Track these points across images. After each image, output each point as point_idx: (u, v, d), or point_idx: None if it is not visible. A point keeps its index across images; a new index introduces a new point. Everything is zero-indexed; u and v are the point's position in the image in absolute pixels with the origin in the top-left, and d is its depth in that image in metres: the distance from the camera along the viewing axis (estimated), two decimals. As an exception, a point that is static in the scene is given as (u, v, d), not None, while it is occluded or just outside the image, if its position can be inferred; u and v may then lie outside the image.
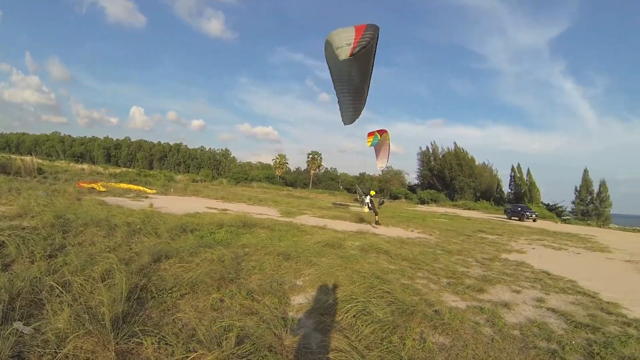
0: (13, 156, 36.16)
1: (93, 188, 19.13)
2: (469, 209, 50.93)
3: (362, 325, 4.14)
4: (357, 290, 5.33)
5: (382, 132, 18.93)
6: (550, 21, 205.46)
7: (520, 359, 3.87)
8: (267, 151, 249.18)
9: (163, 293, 4.50)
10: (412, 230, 16.27)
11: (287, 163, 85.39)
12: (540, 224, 31.72)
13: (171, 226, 8.57)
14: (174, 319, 3.86)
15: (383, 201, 22.53)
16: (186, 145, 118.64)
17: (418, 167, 72.70)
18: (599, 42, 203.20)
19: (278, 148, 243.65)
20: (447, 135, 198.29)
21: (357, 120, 12.69)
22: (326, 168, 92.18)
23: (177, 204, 16.76)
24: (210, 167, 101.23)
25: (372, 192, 18.82)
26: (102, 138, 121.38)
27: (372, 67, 10.84)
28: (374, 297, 5.07)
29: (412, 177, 76.24)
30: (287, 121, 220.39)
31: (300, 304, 4.85)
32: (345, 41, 9.01)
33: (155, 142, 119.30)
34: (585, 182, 51.17)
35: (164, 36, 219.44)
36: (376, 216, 17.09)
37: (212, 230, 9.21)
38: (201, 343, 3.33)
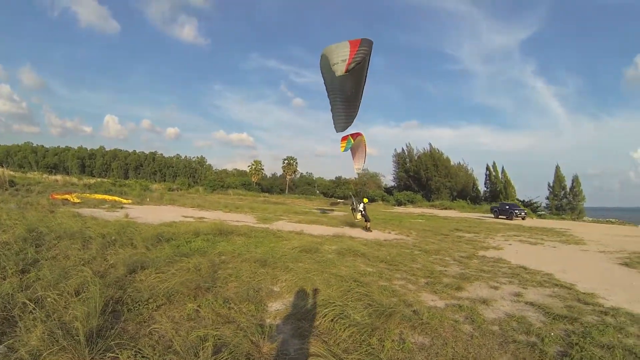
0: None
1: (67, 200, 18.93)
2: (446, 208, 51.61)
3: (340, 329, 4.11)
4: (335, 294, 5.34)
5: (355, 135, 18.99)
6: (521, 24, 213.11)
7: (500, 354, 3.91)
8: (243, 158, 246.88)
9: (139, 305, 4.43)
10: (389, 232, 16.41)
11: (262, 169, 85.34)
12: (516, 220, 32.23)
13: (147, 236, 8.47)
14: (150, 331, 3.82)
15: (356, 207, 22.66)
16: (162, 154, 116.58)
17: (394, 169, 73.04)
18: (569, 43, 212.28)
19: (253, 154, 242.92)
20: (422, 136, 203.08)
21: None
22: (302, 173, 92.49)
23: (153, 214, 16.66)
24: (186, 176, 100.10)
25: (365, 200, 19.09)
26: (76, 148, 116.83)
27: (365, 79, 11.30)
28: (351, 300, 5.08)
29: (388, 179, 76.83)
30: (262, 127, 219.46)
31: (278, 310, 4.83)
32: (340, 57, 9.36)
33: (131, 150, 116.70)
34: (558, 177, 52.64)
35: (137, 43, 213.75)
36: (368, 223, 17.20)
37: (189, 239, 9.10)
38: (178, 354, 3.33)
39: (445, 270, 8.16)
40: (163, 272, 5.67)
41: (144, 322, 4.05)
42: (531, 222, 30.74)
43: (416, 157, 68.61)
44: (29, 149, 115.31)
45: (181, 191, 53.26)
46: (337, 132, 14.34)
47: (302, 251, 8.68)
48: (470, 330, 4.48)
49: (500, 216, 34.84)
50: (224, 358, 3.30)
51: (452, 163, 65.73)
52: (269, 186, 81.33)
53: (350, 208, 19.66)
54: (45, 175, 51.82)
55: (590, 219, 41.69)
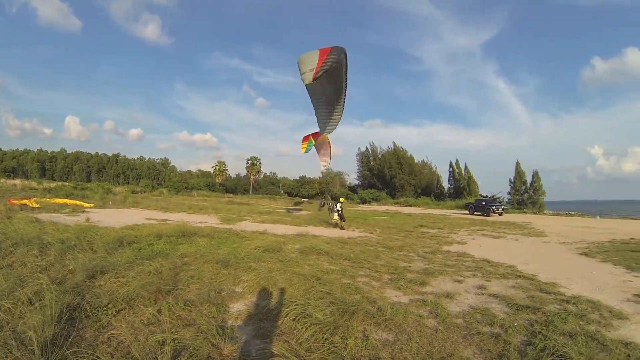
0: None
1: (25, 205, 18.58)
2: (410, 205, 52.44)
3: (303, 328, 4.07)
4: (297, 292, 5.32)
5: (316, 135, 18.87)
6: (483, 25, 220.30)
7: (464, 346, 3.93)
8: (207, 159, 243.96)
9: (98, 311, 4.36)
10: (354, 230, 16.56)
11: (226, 170, 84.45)
12: (479, 215, 32.51)
13: (108, 240, 8.32)
14: (108, 337, 3.77)
15: (324, 203, 23.11)
16: (125, 156, 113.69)
17: (358, 167, 73.15)
18: (529, 45, 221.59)
19: (217, 155, 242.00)
20: (386, 135, 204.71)
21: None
22: (265, 173, 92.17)
23: (115, 217, 16.42)
24: (150, 177, 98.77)
25: (342, 199, 19.51)
26: (35, 151, 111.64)
27: (346, 83, 11.96)
28: (314, 299, 5.04)
29: (352, 178, 76.79)
30: (225, 127, 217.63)
31: (240, 310, 4.80)
32: (308, 67, 9.69)
33: (93, 153, 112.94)
34: (519, 173, 54.41)
35: (99, 41, 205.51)
36: (342, 222, 17.44)
37: (151, 242, 8.96)
38: (136, 360, 3.29)
39: (409, 266, 8.23)
40: (123, 276, 5.61)
41: (102, 328, 3.98)
42: (493, 216, 31.31)
43: (380, 156, 69.04)
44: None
45: (145, 193, 52.51)
46: (321, 134, 15.09)
47: (265, 251, 8.66)
48: (434, 324, 4.51)
49: (475, 213, 33.61)
50: (183, 361, 3.26)
51: (416, 161, 66.65)
52: (234, 187, 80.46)
53: (327, 208, 19.76)
54: (2, 180, 50.66)
55: (551, 212, 43.23)
